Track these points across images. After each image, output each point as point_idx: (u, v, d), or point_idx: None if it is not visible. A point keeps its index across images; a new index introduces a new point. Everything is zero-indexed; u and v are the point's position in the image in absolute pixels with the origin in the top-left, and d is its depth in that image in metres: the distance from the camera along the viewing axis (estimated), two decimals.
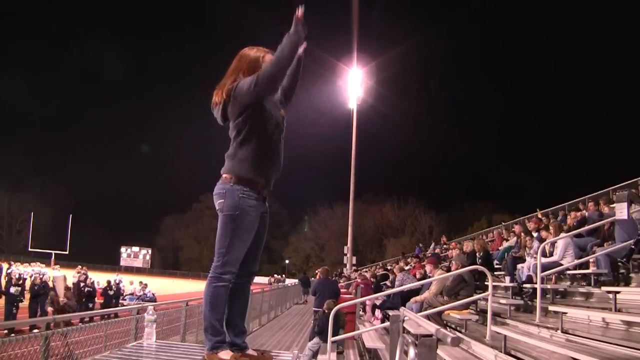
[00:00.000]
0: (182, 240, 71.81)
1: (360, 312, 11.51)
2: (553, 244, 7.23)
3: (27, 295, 14.19)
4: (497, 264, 9.77)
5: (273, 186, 2.67)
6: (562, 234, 7.13)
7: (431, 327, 2.92)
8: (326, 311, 8.35)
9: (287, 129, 2.71)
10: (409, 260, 19.08)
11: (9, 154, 55.23)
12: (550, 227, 7.80)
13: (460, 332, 6.58)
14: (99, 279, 19.37)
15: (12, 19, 74.18)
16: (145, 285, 18.93)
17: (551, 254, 7.27)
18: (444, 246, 22.55)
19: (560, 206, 16.56)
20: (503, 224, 20.91)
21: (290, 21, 2.46)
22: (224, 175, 2.55)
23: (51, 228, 57.47)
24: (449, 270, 8.74)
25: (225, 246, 2.48)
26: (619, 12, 57.51)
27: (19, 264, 26.48)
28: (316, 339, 7.99)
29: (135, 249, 65.41)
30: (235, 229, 2.48)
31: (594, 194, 14.76)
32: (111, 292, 16.78)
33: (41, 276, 16.24)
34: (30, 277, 19.21)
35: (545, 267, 6.70)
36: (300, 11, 2.46)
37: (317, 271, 13.53)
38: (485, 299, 6.28)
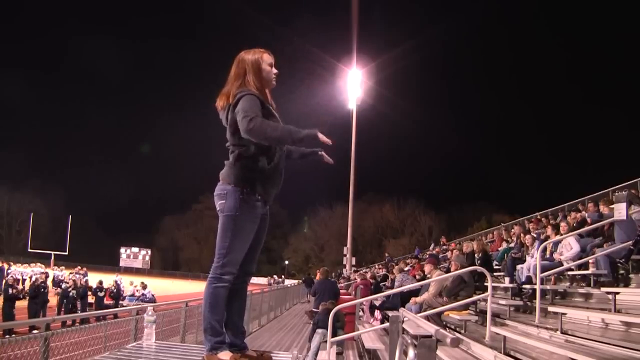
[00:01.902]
0: (181, 240, 71.76)
1: (360, 313, 11.51)
2: (556, 244, 7.25)
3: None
4: (496, 265, 9.78)
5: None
6: (569, 233, 7.14)
7: (430, 328, 2.92)
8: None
9: None
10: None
11: (8, 154, 55.14)
12: (563, 225, 7.78)
13: (459, 332, 6.57)
14: (98, 279, 19.37)
15: (12, 19, 74.41)
16: (145, 285, 18.91)
17: (552, 254, 7.28)
18: (444, 247, 22.56)
19: (560, 207, 16.58)
20: (502, 224, 20.91)
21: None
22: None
23: (51, 229, 57.48)
24: (448, 271, 8.75)
25: (225, 247, 2.48)
26: (620, 13, 57.67)
27: (19, 265, 26.53)
28: (320, 330, 7.95)
29: (135, 249, 65.27)
30: (235, 230, 2.48)
31: (594, 194, 14.77)
32: (101, 294, 16.71)
33: (45, 277, 16.24)
34: (30, 277, 19.27)
35: (546, 267, 6.71)
36: (325, 139, 2.40)
37: (317, 272, 13.53)
38: (485, 300, 6.28)
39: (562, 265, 6.83)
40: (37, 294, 13.70)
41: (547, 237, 7.95)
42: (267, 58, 2.64)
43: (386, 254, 30.96)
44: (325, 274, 11.41)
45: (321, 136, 2.37)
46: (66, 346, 5.30)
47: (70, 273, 19.03)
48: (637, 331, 4.42)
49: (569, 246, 6.94)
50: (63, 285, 15.72)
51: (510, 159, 62.76)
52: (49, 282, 19.00)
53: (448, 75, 75.33)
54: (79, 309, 15.43)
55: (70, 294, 14.96)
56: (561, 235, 7.39)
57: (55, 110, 72.51)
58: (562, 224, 7.87)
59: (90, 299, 16.58)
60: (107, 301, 16.84)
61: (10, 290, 13.23)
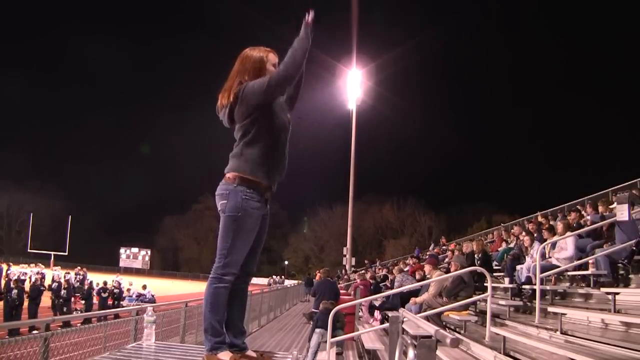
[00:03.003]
0: (181, 241, 71.73)
1: (360, 313, 11.51)
2: (554, 245, 7.24)
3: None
4: (496, 265, 9.78)
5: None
6: (568, 233, 7.13)
7: (430, 328, 2.92)
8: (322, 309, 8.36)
9: None
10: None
11: (8, 154, 55.24)
12: (560, 223, 7.78)
13: (459, 333, 6.57)
14: (99, 280, 19.34)
15: (13, 19, 74.43)
16: (144, 286, 18.90)
17: (551, 255, 7.27)
18: (443, 247, 22.55)
19: (560, 207, 16.59)
20: (502, 225, 20.91)
21: (296, 22, 2.47)
22: (227, 175, 2.54)
23: (50, 229, 57.45)
24: (448, 271, 8.74)
25: (227, 247, 2.48)
26: (619, 12, 57.69)
27: (24, 265, 26.47)
28: (318, 330, 7.94)
29: (135, 249, 65.27)
30: (237, 231, 2.48)
31: (594, 194, 14.79)
32: (105, 294, 16.72)
33: (41, 277, 16.21)
34: (30, 278, 19.24)
35: (546, 268, 6.71)
36: (310, 16, 2.47)
37: (317, 272, 13.54)
38: (485, 300, 6.28)
39: (559, 265, 6.82)
40: (37, 295, 13.71)
41: (545, 239, 7.93)
42: (272, 58, 2.66)
43: (366, 261, 30.82)
44: (326, 274, 11.40)
45: (309, 20, 2.46)
46: (66, 346, 5.29)
47: (67, 273, 18.98)
48: (636, 331, 4.42)
49: (565, 246, 6.93)
50: (54, 285, 15.68)
51: (510, 160, 62.93)
52: (47, 283, 19.00)
53: (448, 76, 75.60)
54: (77, 309, 15.45)
55: (62, 293, 14.95)
56: (558, 235, 7.37)
57: (55, 110, 72.80)
58: (558, 224, 7.87)
59: (95, 300, 16.62)
60: (109, 302, 16.87)
61: (13, 292, 13.21)
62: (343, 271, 29.89)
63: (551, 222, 10.36)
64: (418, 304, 7.53)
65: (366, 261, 31.50)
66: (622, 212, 6.08)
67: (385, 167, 65.74)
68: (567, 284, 7.22)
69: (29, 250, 51.93)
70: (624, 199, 6.34)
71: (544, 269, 6.51)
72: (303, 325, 14.14)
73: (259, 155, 2.52)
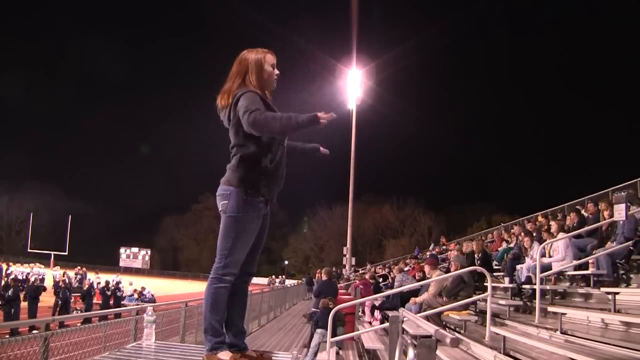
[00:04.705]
0: (181, 241, 71.73)
1: (360, 313, 11.51)
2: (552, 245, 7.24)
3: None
4: (496, 265, 9.77)
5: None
6: (562, 234, 7.13)
7: (430, 328, 2.92)
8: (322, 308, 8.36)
9: None
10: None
11: (8, 155, 55.23)
12: (554, 224, 7.77)
13: (459, 332, 6.57)
14: (105, 279, 19.31)
15: (12, 20, 74.42)
16: (143, 287, 18.90)
17: (550, 255, 7.27)
18: (443, 247, 22.56)
19: (560, 207, 16.56)
20: (502, 225, 20.90)
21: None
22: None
23: (50, 229, 57.43)
24: (448, 271, 8.74)
25: (227, 247, 2.48)
26: (619, 13, 57.70)
27: (18, 264, 26.50)
28: (319, 330, 7.93)
29: (135, 249, 65.26)
30: (238, 231, 2.48)
31: (593, 194, 14.76)
32: (109, 293, 16.75)
33: (40, 277, 16.25)
34: (29, 278, 19.26)
35: (546, 268, 6.70)
36: (327, 117, 2.36)
37: (317, 272, 13.49)
38: (485, 300, 6.28)
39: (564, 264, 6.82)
40: (37, 295, 13.72)
41: (543, 240, 7.92)
42: (270, 59, 2.64)
43: (334, 268, 30.48)
44: (329, 275, 11.33)
45: (321, 114, 2.35)
46: (66, 346, 5.30)
47: (65, 272, 19.01)
48: (636, 331, 4.42)
49: (557, 250, 6.93)
50: (54, 285, 15.74)
51: (510, 160, 62.92)
52: (47, 283, 19.01)
53: (448, 75, 75.41)
54: (77, 309, 15.44)
55: (60, 292, 14.99)
56: (554, 235, 7.37)
57: (55, 111, 72.58)
58: (552, 225, 7.86)
59: (97, 300, 16.62)
60: (110, 301, 16.88)
61: (10, 291, 13.20)
62: (343, 270, 29.89)
63: (551, 223, 10.35)
64: (418, 304, 7.53)
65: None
66: (619, 212, 6.08)
67: (385, 167, 65.74)
68: (567, 284, 7.22)
69: (29, 250, 51.93)
70: (622, 198, 6.34)
71: (543, 269, 6.51)
72: (303, 325, 14.13)
73: (254, 168, 2.49)
